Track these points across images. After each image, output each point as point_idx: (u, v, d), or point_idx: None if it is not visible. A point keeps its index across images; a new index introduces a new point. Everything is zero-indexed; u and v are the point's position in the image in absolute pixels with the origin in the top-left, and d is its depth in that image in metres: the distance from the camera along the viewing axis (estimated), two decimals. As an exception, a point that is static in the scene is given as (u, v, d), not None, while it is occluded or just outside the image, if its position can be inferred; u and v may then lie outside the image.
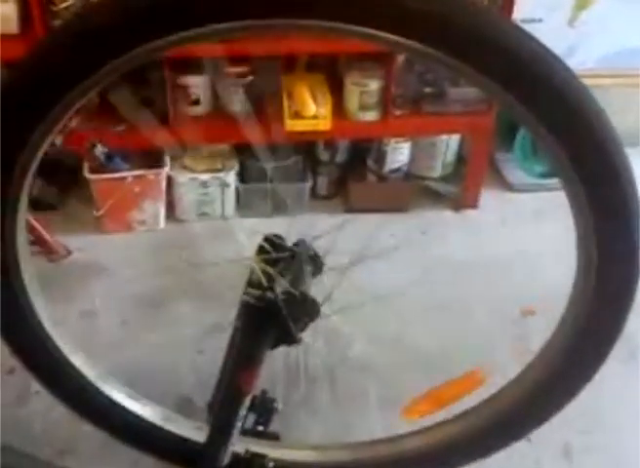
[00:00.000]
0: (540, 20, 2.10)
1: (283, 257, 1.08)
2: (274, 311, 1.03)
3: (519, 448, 1.24)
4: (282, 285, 1.04)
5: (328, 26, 0.84)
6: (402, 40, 0.84)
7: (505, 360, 1.64)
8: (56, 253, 2.07)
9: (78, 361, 1.22)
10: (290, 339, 1.07)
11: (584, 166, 0.91)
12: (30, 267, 1.10)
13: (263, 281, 1.04)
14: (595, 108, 0.89)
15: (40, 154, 0.97)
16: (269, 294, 1.02)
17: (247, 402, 1.15)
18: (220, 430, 1.16)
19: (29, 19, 1.83)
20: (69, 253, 2.09)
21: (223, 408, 1.15)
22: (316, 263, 1.12)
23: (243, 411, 1.15)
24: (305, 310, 1.06)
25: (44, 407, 1.53)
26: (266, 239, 1.10)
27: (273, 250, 1.08)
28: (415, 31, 0.84)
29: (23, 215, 1.04)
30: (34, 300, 1.12)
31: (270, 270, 1.05)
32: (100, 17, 0.88)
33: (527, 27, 0.87)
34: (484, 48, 0.85)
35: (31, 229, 2.00)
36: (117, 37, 0.87)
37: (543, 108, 0.88)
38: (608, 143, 0.89)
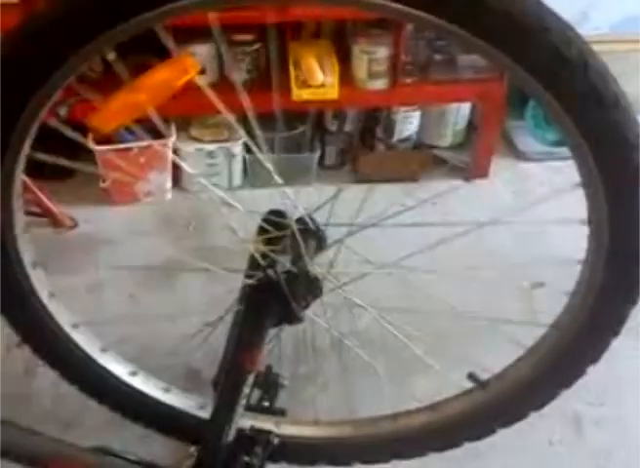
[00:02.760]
0: (552, -16, 2.04)
1: (284, 235, 1.06)
2: (276, 290, 1.02)
3: (529, 418, 1.23)
4: (283, 264, 1.02)
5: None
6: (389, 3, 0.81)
7: (514, 332, 1.63)
8: (62, 225, 2.06)
9: (78, 335, 1.22)
10: (293, 318, 1.06)
11: (593, 134, 0.88)
12: (26, 237, 1.09)
13: (262, 262, 1.02)
14: (604, 75, 0.86)
15: (38, 122, 0.95)
16: (271, 274, 1.01)
17: (251, 379, 1.14)
18: (225, 407, 1.15)
19: (29, -12, 1.79)
20: (75, 224, 2.09)
21: (227, 385, 1.14)
22: (319, 238, 1.10)
23: (247, 389, 1.15)
24: (308, 288, 1.05)
25: (51, 380, 1.53)
26: (267, 217, 1.08)
27: (274, 227, 1.06)
28: None
29: (20, 184, 1.02)
30: (30, 272, 1.11)
31: (269, 251, 1.03)
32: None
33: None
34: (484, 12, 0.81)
35: (37, 201, 2.00)
36: (114, 5, 0.85)
37: (548, 74, 0.85)
38: (617, 110, 0.86)
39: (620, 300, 1.03)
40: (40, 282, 1.13)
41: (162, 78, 1.05)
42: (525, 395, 1.19)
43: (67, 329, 1.19)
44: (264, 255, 1.06)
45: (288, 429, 1.31)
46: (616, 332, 1.06)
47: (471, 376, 1.23)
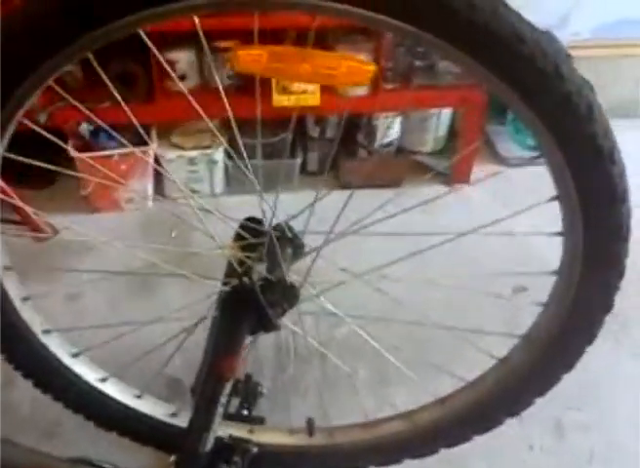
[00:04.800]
0: (531, -11, 2.05)
1: (261, 242, 1.06)
2: (251, 298, 1.01)
3: (509, 423, 1.23)
4: (259, 271, 1.02)
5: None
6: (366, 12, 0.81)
7: (496, 336, 1.63)
8: (42, 233, 2.04)
9: (53, 343, 1.21)
10: (269, 325, 1.05)
11: (566, 140, 0.88)
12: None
13: (238, 269, 1.02)
14: (577, 80, 0.85)
15: (15, 122, 0.94)
16: (246, 281, 1.01)
17: (229, 387, 1.13)
18: (203, 416, 1.15)
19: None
20: (56, 232, 2.07)
21: (205, 393, 1.14)
22: (296, 245, 1.10)
23: (225, 397, 1.14)
24: (284, 296, 1.05)
25: (31, 390, 1.52)
26: (244, 224, 1.08)
27: (251, 235, 1.06)
28: None
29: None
30: (5, 280, 1.10)
31: (245, 259, 1.03)
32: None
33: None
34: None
35: (17, 208, 1.98)
36: (100, 6, 0.84)
37: (523, 85, 0.85)
38: (590, 115, 0.86)
39: (593, 310, 1.04)
40: (13, 286, 1.12)
41: (335, 65, 0.97)
42: (503, 400, 1.19)
43: (38, 333, 1.18)
44: (241, 263, 1.05)
45: (267, 437, 1.31)
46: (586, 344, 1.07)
47: (308, 422, 1.27)
